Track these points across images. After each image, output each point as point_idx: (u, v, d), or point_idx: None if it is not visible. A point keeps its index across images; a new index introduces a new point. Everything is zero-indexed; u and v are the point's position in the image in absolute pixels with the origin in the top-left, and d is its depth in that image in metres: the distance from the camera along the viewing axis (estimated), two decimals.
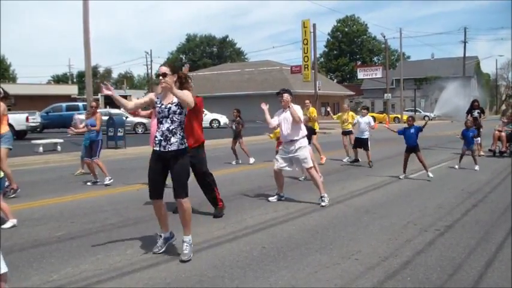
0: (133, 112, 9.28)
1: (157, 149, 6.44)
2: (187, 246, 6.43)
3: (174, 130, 6.38)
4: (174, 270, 5.98)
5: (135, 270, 5.99)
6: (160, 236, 6.74)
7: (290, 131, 9.94)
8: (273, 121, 10.19)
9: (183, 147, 6.43)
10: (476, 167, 14.84)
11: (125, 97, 39.90)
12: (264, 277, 5.71)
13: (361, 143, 16.50)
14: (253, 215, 8.99)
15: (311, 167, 10.14)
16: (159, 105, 6.52)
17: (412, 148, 13.37)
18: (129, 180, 13.32)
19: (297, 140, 9.97)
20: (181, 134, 6.43)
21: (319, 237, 7.41)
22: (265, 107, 10.03)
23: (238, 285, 5.52)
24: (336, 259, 6.35)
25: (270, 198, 10.28)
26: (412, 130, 13.32)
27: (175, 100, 6.39)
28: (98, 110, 13.63)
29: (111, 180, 12.88)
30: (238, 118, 17.82)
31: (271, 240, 7.28)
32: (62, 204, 10.44)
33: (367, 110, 17.57)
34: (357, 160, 16.82)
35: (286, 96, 9.96)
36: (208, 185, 8.98)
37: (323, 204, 9.75)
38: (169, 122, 6.40)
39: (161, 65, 6.70)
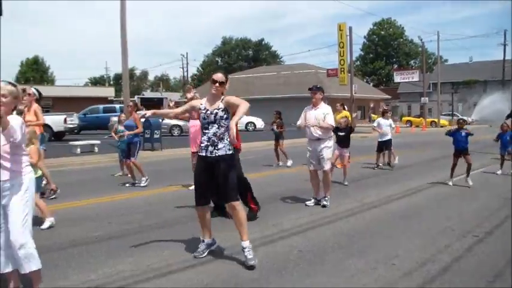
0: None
1: (204, 154, 6.39)
2: (248, 250, 6.29)
3: (221, 135, 6.32)
4: (212, 273, 5.98)
5: (172, 271, 6.01)
6: (203, 241, 6.72)
7: (317, 129, 9.89)
8: (299, 123, 10.22)
9: (231, 152, 6.37)
10: None
11: (161, 100, 40.23)
12: (300, 281, 5.68)
13: (384, 145, 16.32)
14: (290, 218, 8.95)
15: (329, 169, 10.15)
16: (204, 111, 6.46)
17: (462, 151, 12.85)
18: (166, 182, 13.39)
19: (323, 140, 9.94)
20: (227, 139, 6.34)
21: (355, 242, 7.35)
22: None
23: (275, 286, 5.50)
24: (373, 264, 6.28)
25: (307, 202, 10.23)
26: (463, 133, 12.82)
27: (221, 105, 6.34)
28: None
29: (148, 181, 12.96)
30: (278, 120, 17.84)
31: (307, 243, 7.24)
32: (99, 204, 10.56)
33: (388, 112, 17.38)
34: (377, 165, 16.60)
35: (317, 95, 9.93)
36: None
37: (324, 203, 9.92)
38: (216, 127, 6.34)
39: (215, 73, 6.61)
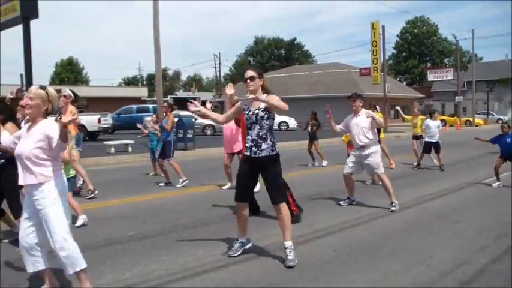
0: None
1: (248, 154, 6.42)
2: (290, 251, 6.31)
3: (263, 136, 6.31)
4: (245, 272, 5.98)
5: (206, 271, 6.02)
6: (237, 239, 6.73)
7: (362, 136, 9.76)
8: (337, 127, 10.10)
9: (274, 153, 6.36)
10: None
11: (194, 99, 40.41)
12: (335, 280, 5.65)
13: (432, 146, 16.09)
14: (324, 218, 8.90)
15: (383, 173, 9.98)
16: (246, 112, 6.48)
17: (507, 157, 12.45)
18: (199, 181, 13.44)
19: (369, 146, 9.80)
20: (271, 139, 6.35)
21: (390, 242, 7.28)
22: (329, 113, 9.78)
23: (306, 286, 5.48)
24: (408, 264, 6.21)
25: (341, 202, 10.17)
26: (509, 139, 12.31)
27: (262, 105, 6.32)
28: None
29: (185, 183, 12.94)
30: (313, 120, 17.78)
31: (341, 243, 7.20)
32: (133, 204, 10.65)
33: (435, 114, 17.09)
34: (418, 164, 16.38)
35: (357, 103, 9.84)
36: None
37: (393, 208, 9.60)
38: (258, 127, 6.33)
39: (246, 69, 6.56)
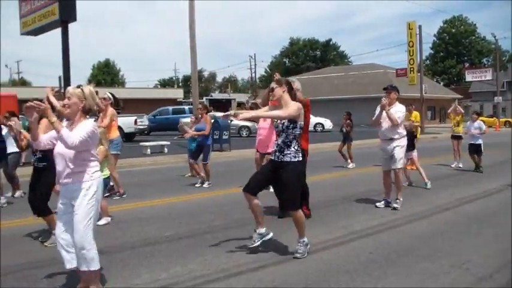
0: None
1: (273, 157, 6.72)
2: (300, 245, 6.59)
3: (288, 142, 6.53)
4: (281, 273, 5.96)
5: (242, 272, 6.03)
6: (255, 231, 6.81)
7: (390, 128, 9.77)
8: (375, 120, 10.10)
9: (296, 160, 6.51)
10: None
11: (229, 101, 40.74)
12: (371, 283, 5.60)
13: (475, 148, 15.80)
14: (360, 220, 8.84)
15: (400, 169, 9.98)
16: (276, 120, 6.74)
17: None
18: (235, 183, 13.43)
19: (395, 139, 9.81)
20: (295, 147, 6.53)
21: (427, 245, 7.20)
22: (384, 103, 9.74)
23: None
24: (446, 268, 6.12)
25: (378, 204, 10.09)
26: None
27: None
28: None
29: (209, 185, 13.11)
30: (348, 121, 17.70)
31: (378, 246, 7.13)
32: (169, 204, 10.73)
33: (477, 115, 16.74)
34: (477, 168, 16.01)
35: (392, 95, 9.79)
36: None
37: (395, 205, 9.73)
38: (285, 135, 6.56)
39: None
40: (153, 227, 8.50)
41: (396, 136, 9.80)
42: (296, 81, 7.99)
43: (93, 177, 5.06)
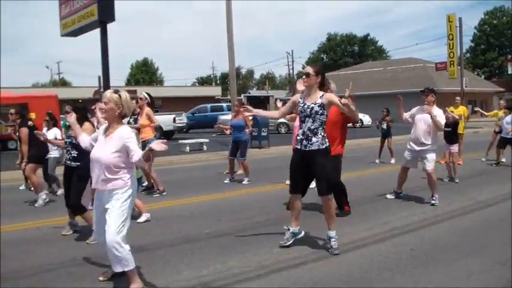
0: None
1: (299, 147, 6.66)
2: (334, 241, 6.56)
3: (315, 130, 6.51)
4: (322, 270, 5.94)
5: (282, 268, 6.02)
6: (288, 229, 6.83)
7: (425, 133, 9.69)
8: (404, 115, 10.08)
9: (324, 147, 6.52)
10: None
11: (267, 98, 40.68)
12: (413, 280, 5.54)
13: (507, 142, 15.48)
14: (400, 216, 8.73)
15: (433, 170, 9.79)
16: (301, 105, 6.67)
17: None
18: (274, 179, 13.43)
19: (428, 145, 9.72)
20: (322, 133, 6.52)
21: (470, 241, 7.08)
22: (400, 99, 9.74)
23: (386, 286, 5.39)
24: (489, 265, 6.01)
25: (387, 195, 10.32)
26: None
27: (318, 101, 6.53)
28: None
29: (249, 182, 13.13)
30: (387, 117, 17.53)
31: (419, 242, 7.05)
32: (208, 202, 10.78)
33: (509, 109, 16.33)
34: (498, 163, 15.78)
35: (430, 98, 9.68)
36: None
37: (433, 202, 9.59)
38: (311, 121, 6.53)
39: (307, 66, 6.88)
40: (192, 224, 8.56)
41: (429, 143, 9.71)
42: (332, 83, 8.04)
43: (128, 183, 5.17)
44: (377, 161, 17.27)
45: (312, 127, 6.50)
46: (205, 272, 5.97)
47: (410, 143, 10.02)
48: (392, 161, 16.91)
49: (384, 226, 8.02)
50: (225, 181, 13.36)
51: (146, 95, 11.65)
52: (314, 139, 6.48)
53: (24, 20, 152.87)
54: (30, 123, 11.34)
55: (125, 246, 5.10)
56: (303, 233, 6.95)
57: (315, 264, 6.19)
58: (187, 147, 23.04)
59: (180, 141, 24.21)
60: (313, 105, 6.52)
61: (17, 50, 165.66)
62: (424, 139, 9.68)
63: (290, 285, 5.48)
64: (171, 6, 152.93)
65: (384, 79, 64.35)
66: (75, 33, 24.16)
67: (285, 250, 6.73)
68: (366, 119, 43.62)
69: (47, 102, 25.39)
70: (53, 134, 11.61)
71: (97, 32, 21.18)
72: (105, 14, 20.84)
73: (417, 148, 9.80)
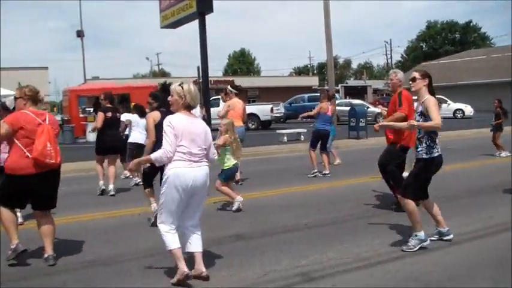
0: None
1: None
2: (411, 239, 6.34)
3: (420, 138, 6.43)
4: (423, 265, 5.82)
5: (382, 261, 5.97)
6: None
7: None
8: None
9: (426, 156, 6.36)
10: None
11: (365, 88, 40.22)
12: None
13: None
14: (505, 210, 8.31)
15: None
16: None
17: None
18: (372, 171, 13.23)
19: None
20: (427, 142, 6.36)
21: None
22: None
23: (491, 285, 5.21)
24: None
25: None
26: None
27: (420, 108, 6.48)
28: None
29: (328, 175, 12.84)
30: (498, 109, 16.66)
31: None
32: (306, 192, 10.83)
33: None
34: None
35: None
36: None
37: None
38: (417, 130, 6.50)
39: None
40: (291, 214, 8.61)
41: None
42: (399, 72, 8.08)
43: (169, 168, 5.38)
44: (501, 154, 16.40)
45: (418, 136, 6.48)
46: (304, 262, 6.01)
47: None
48: (504, 154, 16.03)
49: (489, 221, 7.71)
50: (309, 175, 12.95)
51: (231, 88, 11.96)
52: (420, 147, 6.41)
53: (127, 14, 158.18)
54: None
55: (164, 226, 5.41)
56: (451, 235, 6.65)
57: (414, 258, 6.03)
58: (285, 137, 23.14)
59: (278, 131, 24.35)
60: (415, 115, 6.62)
61: (119, 43, 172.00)
62: None
63: (390, 279, 5.42)
64: None
65: (487, 68, 61.87)
66: (174, 25, 24.84)
67: (385, 243, 6.66)
68: (468, 109, 42.14)
69: (147, 93, 26.13)
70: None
71: (195, 23, 21.61)
72: (204, 6, 21.30)
73: None
